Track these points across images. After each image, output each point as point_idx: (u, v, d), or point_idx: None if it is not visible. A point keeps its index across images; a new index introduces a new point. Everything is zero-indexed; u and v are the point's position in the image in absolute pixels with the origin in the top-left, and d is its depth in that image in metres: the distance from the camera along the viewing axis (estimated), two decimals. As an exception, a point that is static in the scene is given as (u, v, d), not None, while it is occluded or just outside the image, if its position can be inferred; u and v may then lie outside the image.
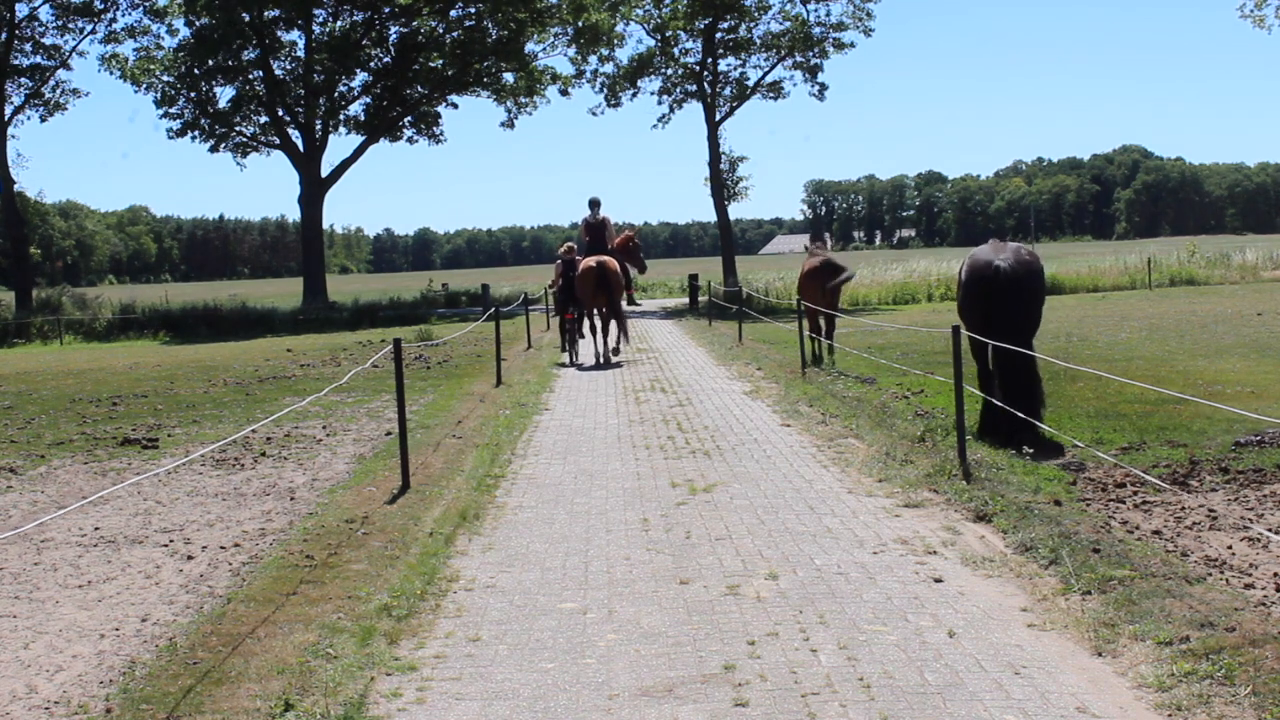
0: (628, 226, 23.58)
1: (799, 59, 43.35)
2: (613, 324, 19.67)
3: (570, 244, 21.08)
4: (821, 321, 16.85)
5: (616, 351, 19.90)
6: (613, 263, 19.19)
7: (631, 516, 8.03)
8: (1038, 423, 9.65)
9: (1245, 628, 5.03)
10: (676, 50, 43.69)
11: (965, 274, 10.46)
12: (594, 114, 47.45)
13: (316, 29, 42.64)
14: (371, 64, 43.47)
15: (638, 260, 21.56)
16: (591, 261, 19.06)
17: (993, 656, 5.09)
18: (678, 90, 44.38)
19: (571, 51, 43.16)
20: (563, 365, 19.32)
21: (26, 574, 7.21)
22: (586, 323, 20.24)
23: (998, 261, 10.03)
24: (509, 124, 45.45)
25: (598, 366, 18.81)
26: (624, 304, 19.87)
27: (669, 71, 43.96)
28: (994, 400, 9.92)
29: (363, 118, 43.68)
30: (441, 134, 45.29)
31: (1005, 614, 5.66)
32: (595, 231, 19.93)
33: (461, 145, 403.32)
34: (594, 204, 20.21)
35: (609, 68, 43.73)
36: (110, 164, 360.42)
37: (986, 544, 6.92)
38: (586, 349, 20.36)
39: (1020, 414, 9.47)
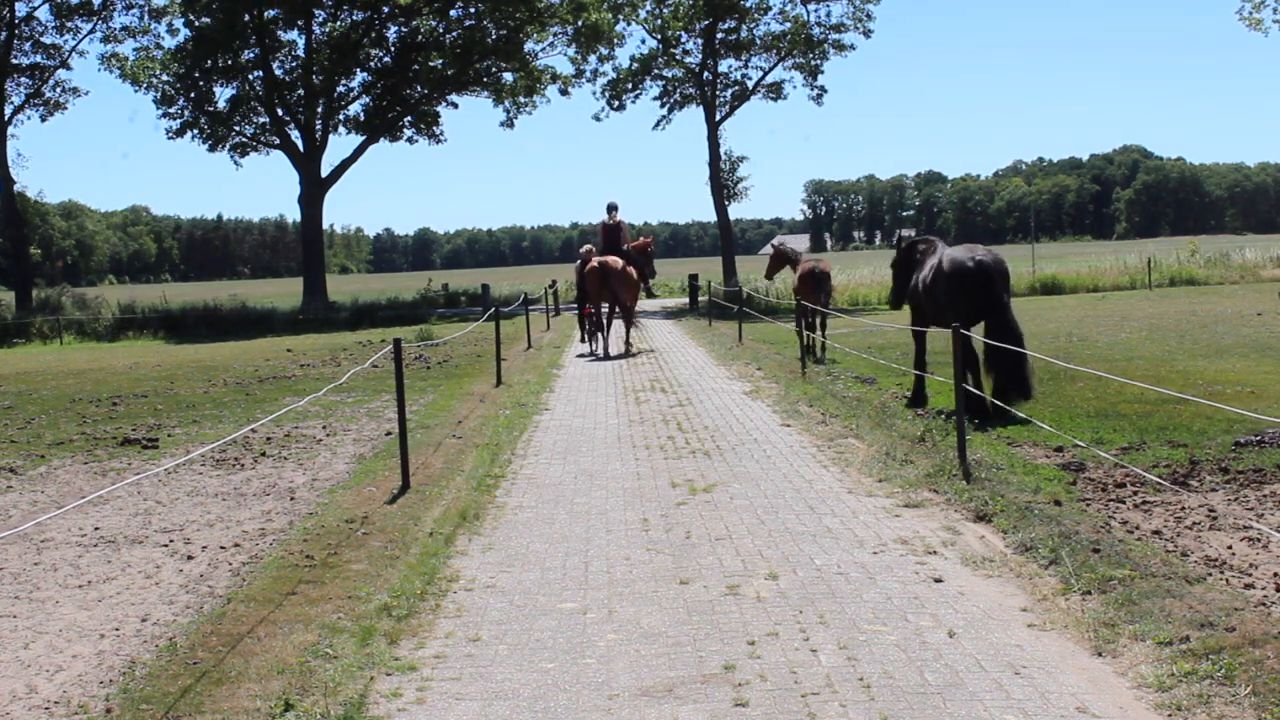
0: (646, 233, 24.83)
1: (799, 60, 43.38)
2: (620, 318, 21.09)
3: (589, 246, 22.60)
4: (814, 319, 17.83)
5: (628, 345, 21.20)
6: (616, 261, 20.49)
7: (631, 516, 8.03)
8: (1028, 391, 10.94)
9: (1245, 628, 5.03)
10: (677, 51, 43.71)
11: (948, 269, 11.50)
12: (597, 119, 47.40)
13: (316, 29, 42.63)
14: (371, 64, 43.46)
15: (649, 265, 23.36)
16: (595, 261, 20.52)
17: (993, 656, 5.09)
18: (678, 91, 44.41)
19: (571, 51, 43.22)
20: (582, 356, 20.76)
21: (26, 574, 7.21)
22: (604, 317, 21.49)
23: (979, 257, 11.42)
24: (509, 124, 45.44)
25: (607, 358, 20.12)
26: (632, 301, 21.22)
27: (670, 73, 43.98)
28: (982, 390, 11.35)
29: (363, 118, 43.65)
30: (441, 134, 45.28)
31: (1005, 614, 5.67)
32: (610, 234, 21.68)
33: (461, 145, 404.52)
34: (612, 208, 21.99)
35: (609, 68, 43.81)
36: (110, 164, 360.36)
37: (986, 544, 6.92)
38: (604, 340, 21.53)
39: (976, 392, 11.01)
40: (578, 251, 23.35)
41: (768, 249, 21.23)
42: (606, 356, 20.22)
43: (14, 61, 42.94)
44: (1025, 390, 10.95)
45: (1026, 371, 10.98)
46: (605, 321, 20.94)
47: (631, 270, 20.98)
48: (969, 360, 11.15)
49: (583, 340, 22.10)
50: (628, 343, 21.29)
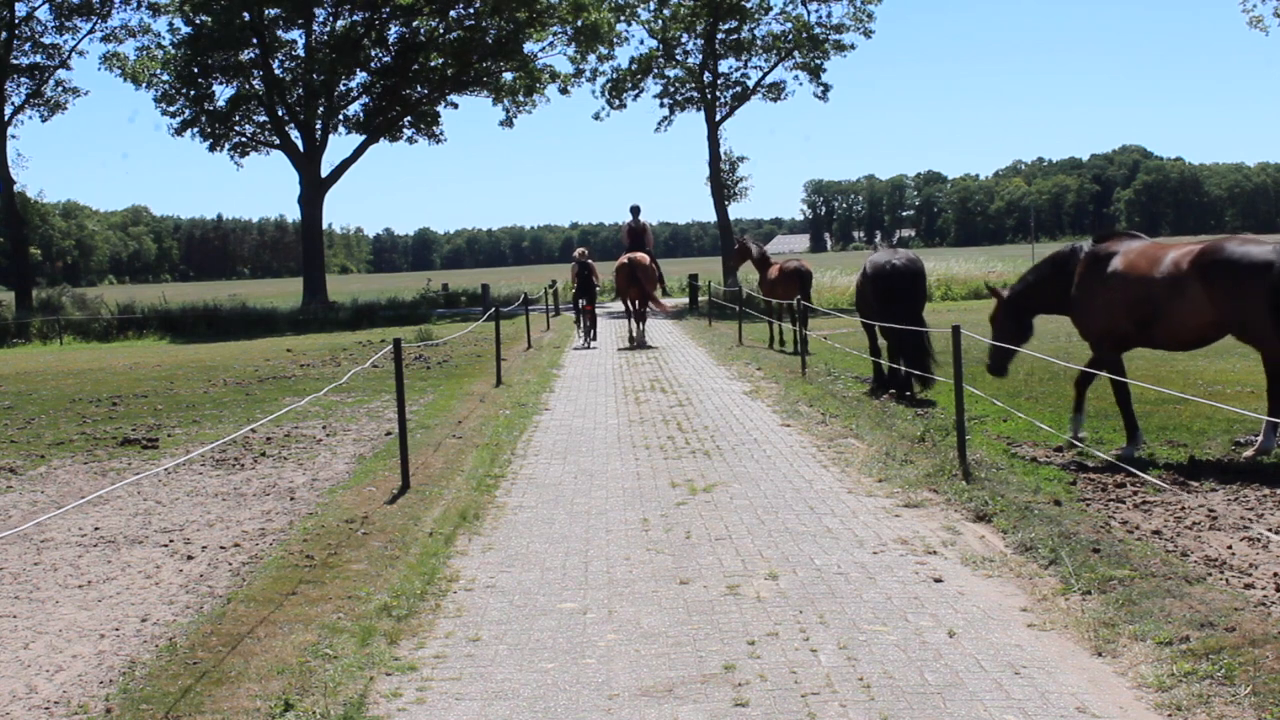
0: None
1: (800, 60, 43.37)
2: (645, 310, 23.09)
3: (583, 249, 25.22)
4: (794, 315, 19.32)
5: (642, 338, 22.85)
6: (643, 259, 22.42)
7: (631, 516, 8.03)
8: (931, 375, 12.66)
9: (1245, 628, 5.03)
10: (678, 52, 43.69)
11: (870, 272, 13.40)
12: (598, 118, 47.35)
13: (316, 28, 42.63)
14: (371, 64, 43.45)
15: None
16: (625, 259, 22.40)
17: (993, 656, 5.09)
18: (678, 92, 44.38)
19: (571, 51, 43.20)
20: (578, 348, 22.55)
21: (26, 574, 7.21)
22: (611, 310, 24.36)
23: (895, 261, 13.29)
24: (508, 122, 45.38)
25: (631, 347, 22.05)
26: (657, 297, 23.13)
27: (670, 73, 43.96)
28: (892, 364, 13.16)
29: (363, 118, 43.65)
30: (441, 134, 45.28)
31: (1005, 614, 5.66)
32: (635, 235, 23.55)
33: (461, 145, 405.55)
34: (635, 211, 23.88)
35: (609, 67, 43.77)
36: (110, 164, 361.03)
37: (986, 544, 6.92)
38: (600, 335, 23.82)
39: (918, 371, 12.63)
40: (573, 255, 25.10)
41: (765, 246, 22.78)
42: (637, 345, 22.16)
43: (14, 61, 42.95)
44: (927, 371, 12.70)
45: (929, 362, 12.81)
46: (636, 312, 22.71)
47: (653, 268, 22.82)
48: (890, 348, 13.31)
49: (578, 335, 23.88)
50: (642, 335, 22.85)
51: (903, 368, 12.76)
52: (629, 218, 24.11)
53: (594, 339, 23.48)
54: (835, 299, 35.73)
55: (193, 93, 41.49)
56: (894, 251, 13.96)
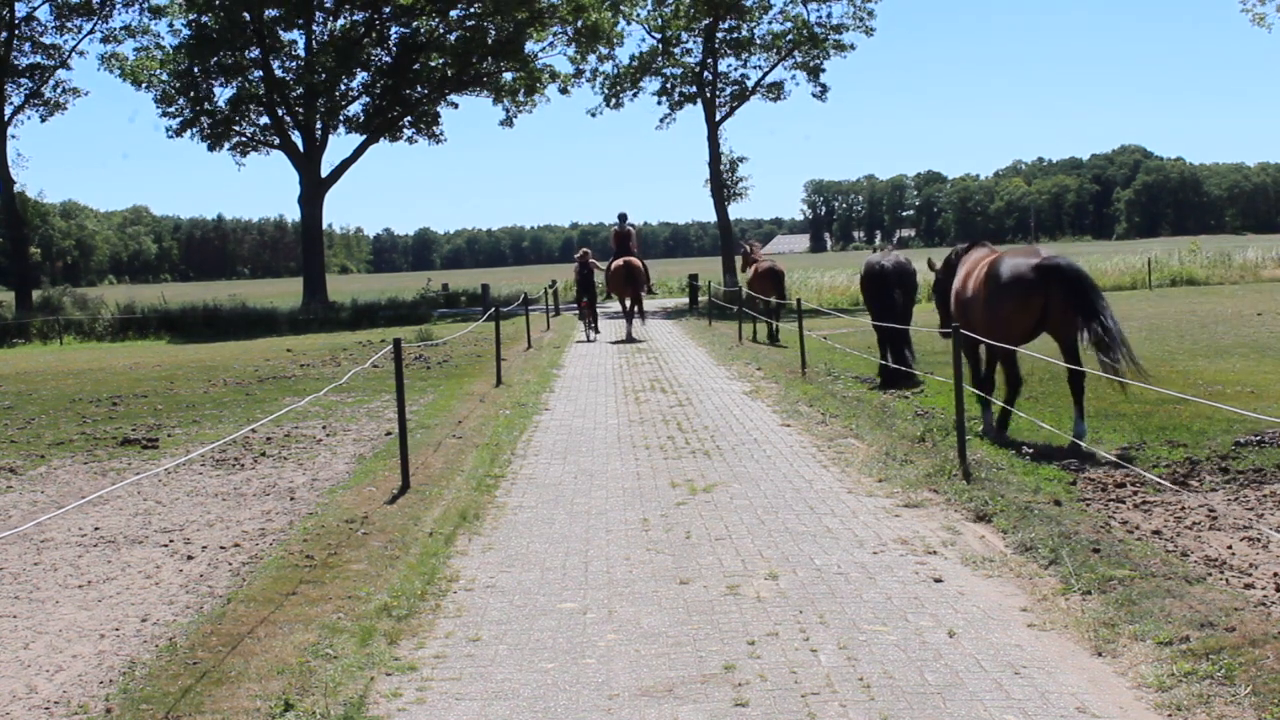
0: (645, 234, 27.75)
1: (799, 59, 43.37)
2: (636, 309, 25.45)
3: (586, 250, 27.33)
4: (772, 309, 21.91)
5: (635, 332, 25.06)
6: (637, 262, 24.69)
7: (631, 516, 8.03)
8: (911, 370, 13.94)
9: (1245, 628, 5.03)
10: (677, 50, 43.68)
11: (863, 272, 15.12)
12: (593, 115, 47.36)
13: (317, 28, 42.60)
14: (372, 64, 43.43)
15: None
16: (621, 261, 24.62)
17: (993, 656, 5.09)
18: (678, 91, 44.37)
19: (571, 50, 43.19)
20: (580, 341, 24.37)
21: (26, 574, 7.21)
22: (599, 309, 26.64)
23: (883, 263, 14.79)
24: (508, 122, 45.36)
25: (626, 341, 23.76)
26: (644, 296, 25.81)
27: (670, 72, 43.96)
28: (881, 360, 14.43)
29: (363, 118, 43.63)
30: (441, 134, 45.24)
31: (1005, 614, 5.67)
32: (622, 239, 25.50)
33: (461, 145, 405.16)
34: (622, 217, 25.81)
35: (609, 67, 43.76)
36: (110, 164, 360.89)
37: (986, 544, 6.92)
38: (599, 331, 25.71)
39: (902, 368, 13.99)
40: (574, 256, 27.10)
41: (765, 247, 24.52)
42: (631, 339, 23.83)
43: (14, 62, 42.93)
44: (907, 365, 13.96)
45: (909, 355, 14.17)
46: (630, 310, 24.95)
47: (646, 271, 25.30)
48: (880, 341, 14.54)
49: (581, 324, 25.94)
50: (634, 331, 24.96)
51: (890, 362, 14.00)
52: (616, 223, 26.04)
53: (596, 331, 25.29)
54: (835, 299, 35.75)
55: (192, 93, 41.45)
56: (886, 253, 15.30)
